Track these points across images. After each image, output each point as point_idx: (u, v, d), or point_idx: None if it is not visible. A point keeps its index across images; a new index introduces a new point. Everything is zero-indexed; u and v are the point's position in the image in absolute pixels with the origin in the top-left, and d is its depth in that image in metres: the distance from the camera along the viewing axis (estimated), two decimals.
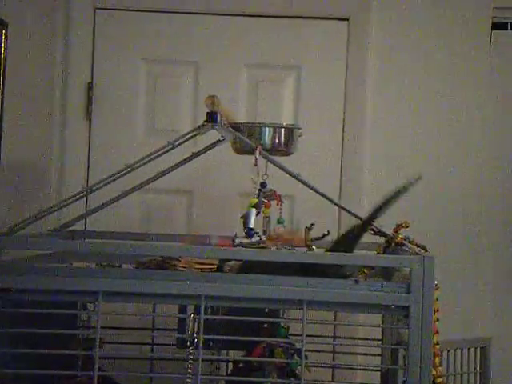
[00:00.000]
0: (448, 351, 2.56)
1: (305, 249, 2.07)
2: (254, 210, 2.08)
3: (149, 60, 3.21)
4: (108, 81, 3.19)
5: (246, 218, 2.06)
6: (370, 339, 2.37)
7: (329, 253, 1.94)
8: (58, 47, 3.13)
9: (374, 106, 3.19)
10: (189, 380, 1.91)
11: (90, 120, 3.18)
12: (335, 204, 2.21)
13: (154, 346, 2.41)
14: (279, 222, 2.23)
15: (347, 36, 3.18)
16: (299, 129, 2.27)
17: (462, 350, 2.61)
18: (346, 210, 2.16)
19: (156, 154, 2.11)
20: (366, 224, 2.00)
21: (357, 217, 2.12)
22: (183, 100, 3.21)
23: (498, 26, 3.20)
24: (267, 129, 2.20)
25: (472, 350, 2.63)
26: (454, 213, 3.17)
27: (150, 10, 3.20)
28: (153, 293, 1.88)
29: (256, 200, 2.07)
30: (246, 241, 2.07)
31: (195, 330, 1.92)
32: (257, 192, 2.12)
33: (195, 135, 2.11)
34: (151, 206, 3.20)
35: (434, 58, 3.19)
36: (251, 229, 2.06)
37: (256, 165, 2.05)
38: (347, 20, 3.18)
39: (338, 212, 3.06)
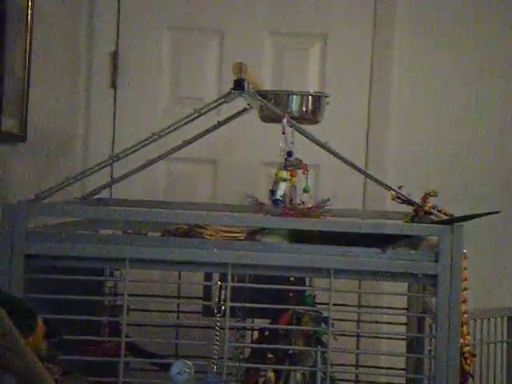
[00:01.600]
0: (475, 321, 2.56)
1: None
2: (282, 184, 2.06)
3: (173, 28, 3.19)
4: (133, 49, 3.18)
5: (274, 190, 2.04)
6: (395, 308, 2.36)
7: (357, 221, 1.92)
8: (83, 16, 3.12)
9: (400, 75, 3.15)
10: (215, 347, 1.92)
11: (115, 88, 3.18)
12: (363, 173, 2.19)
13: (180, 314, 2.42)
14: (305, 190, 2.21)
15: (374, 3, 3.14)
16: (326, 96, 2.25)
17: (489, 319, 2.60)
18: (373, 179, 2.14)
19: (182, 122, 2.10)
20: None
21: (383, 185, 2.11)
22: (208, 68, 3.19)
23: None
24: (294, 97, 2.18)
25: (499, 319, 2.62)
26: (482, 181, 3.15)
27: None
28: (179, 260, 1.88)
29: (285, 173, 2.05)
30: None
31: (221, 298, 1.92)
32: (282, 161, 2.10)
33: (222, 103, 2.10)
34: (176, 175, 3.20)
35: (464, 25, 3.14)
36: (278, 199, 2.05)
37: (284, 133, 2.03)
38: None
39: (364, 181, 3.05)
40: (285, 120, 2.05)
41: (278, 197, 2.03)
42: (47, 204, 2.02)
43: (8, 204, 1.89)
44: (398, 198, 2.07)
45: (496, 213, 1.99)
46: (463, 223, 1.84)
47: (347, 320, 2.17)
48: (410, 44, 3.16)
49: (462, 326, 1.86)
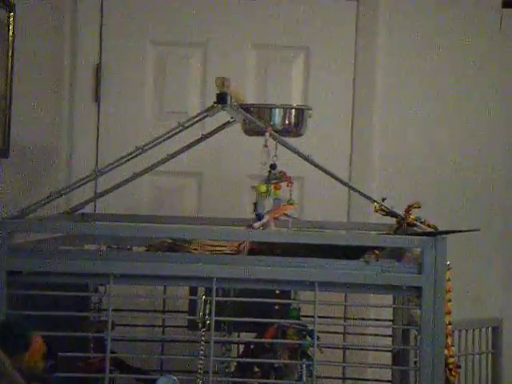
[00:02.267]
0: (459, 331, 2.56)
1: None
2: (263, 198, 2.07)
3: (157, 41, 3.19)
4: (116, 63, 3.17)
5: (256, 205, 2.06)
6: (381, 320, 2.37)
7: (341, 233, 1.93)
8: (66, 29, 3.12)
9: (384, 87, 3.17)
10: (201, 362, 1.91)
11: (98, 102, 3.18)
12: (346, 185, 2.20)
13: (166, 328, 2.42)
14: (290, 203, 2.22)
15: (356, 16, 3.16)
16: (309, 109, 2.26)
17: (473, 330, 2.61)
18: (357, 191, 2.15)
19: (166, 136, 2.10)
20: None
21: (366, 197, 2.11)
22: (191, 82, 3.19)
23: (507, 4, 3.16)
24: (277, 110, 2.19)
25: (484, 330, 2.63)
26: (465, 194, 3.16)
27: None
28: (164, 275, 1.88)
29: (264, 186, 2.06)
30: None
31: (206, 312, 1.92)
32: (266, 174, 2.10)
33: (205, 116, 2.10)
34: (161, 188, 3.19)
35: (444, 36, 3.16)
36: (259, 214, 2.06)
37: (266, 146, 2.04)
38: (356, 0, 3.16)
39: (348, 193, 3.05)
40: (267, 133, 2.06)
41: (259, 211, 2.04)
42: (30, 220, 2.01)
43: None
44: (382, 209, 2.08)
45: (476, 230, 2.01)
46: (445, 236, 1.84)
47: (333, 332, 2.18)
48: (393, 55, 3.17)
49: (446, 337, 1.87)
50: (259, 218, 2.01)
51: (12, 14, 2.41)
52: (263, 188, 2.03)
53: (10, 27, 2.41)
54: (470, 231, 1.98)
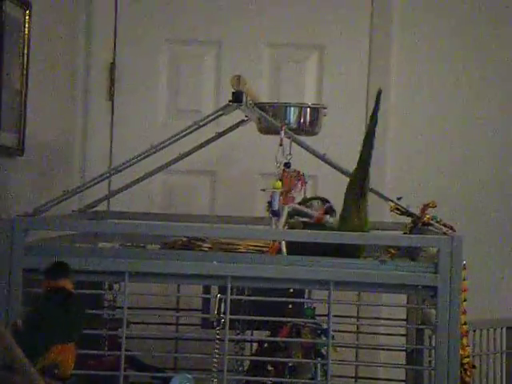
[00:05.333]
0: (474, 331, 2.55)
1: None
2: (278, 193, 2.06)
3: (171, 40, 3.20)
4: (130, 61, 3.18)
5: (271, 201, 2.05)
6: (394, 319, 2.36)
7: (356, 233, 1.92)
8: (81, 27, 3.13)
9: (398, 85, 3.16)
10: (215, 360, 1.92)
11: (112, 101, 3.18)
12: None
13: (179, 327, 2.42)
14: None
15: (371, 15, 3.15)
16: (324, 108, 2.26)
17: (488, 330, 2.60)
18: (371, 190, 2.14)
19: (181, 135, 2.10)
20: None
21: (381, 196, 2.11)
22: (205, 80, 3.20)
23: None
24: (292, 108, 2.19)
25: (498, 330, 2.62)
26: (481, 193, 3.14)
27: None
28: (179, 273, 1.88)
29: (280, 183, 2.06)
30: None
31: (221, 310, 1.92)
32: (281, 172, 2.10)
33: (220, 115, 2.10)
34: (174, 187, 3.20)
35: (462, 34, 3.15)
36: (275, 211, 2.05)
37: (281, 145, 2.03)
38: None
39: None
40: (282, 132, 2.06)
41: (275, 208, 2.03)
42: (45, 218, 2.02)
43: (6, 218, 1.89)
44: (397, 209, 2.07)
45: None
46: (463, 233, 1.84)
47: (346, 331, 2.17)
48: (408, 55, 3.16)
49: (461, 337, 1.86)
50: (275, 214, 2.01)
51: (28, 12, 2.42)
52: (279, 185, 2.02)
53: (26, 26, 2.42)
54: None
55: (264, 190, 2.08)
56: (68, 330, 1.55)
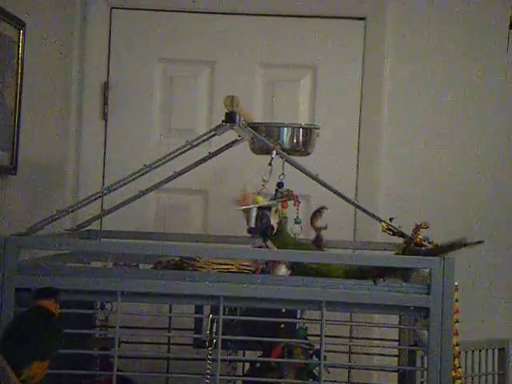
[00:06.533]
0: (466, 352, 2.55)
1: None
2: (254, 208, 2.06)
3: (165, 59, 3.21)
4: (124, 80, 3.19)
5: (248, 217, 2.05)
6: (387, 340, 2.36)
7: (348, 253, 1.93)
8: (75, 47, 3.14)
9: (391, 106, 3.17)
10: (207, 380, 1.91)
11: (106, 120, 3.19)
12: (353, 204, 2.20)
13: (171, 346, 2.41)
14: (296, 221, 2.22)
15: (363, 35, 3.17)
16: (317, 128, 2.27)
17: (480, 351, 2.60)
18: (364, 210, 2.15)
19: (174, 154, 2.11)
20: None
21: (373, 216, 2.11)
22: (199, 100, 3.21)
23: None
24: (285, 129, 2.20)
25: (490, 351, 2.62)
26: (473, 215, 3.15)
27: (166, 10, 3.20)
28: (171, 293, 1.88)
29: (261, 198, 2.06)
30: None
31: (213, 330, 1.92)
32: (265, 191, 2.10)
33: (213, 135, 2.11)
34: (167, 206, 3.20)
35: (451, 55, 3.17)
36: (251, 228, 2.05)
37: (271, 164, 2.04)
38: (363, 19, 3.17)
39: (355, 212, 3.05)
40: (274, 152, 2.06)
41: (252, 225, 2.03)
42: (38, 237, 2.02)
43: None
44: (389, 229, 2.07)
45: (480, 242, 1.97)
46: (453, 256, 1.84)
47: (338, 352, 2.17)
48: (401, 75, 3.18)
49: (453, 358, 1.86)
50: (251, 232, 2.01)
51: (22, 32, 2.43)
52: (260, 199, 2.03)
53: (20, 45, 2.42)
54: (474, 244, 1.95)
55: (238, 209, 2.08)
56: (42, 348, 1.55)
